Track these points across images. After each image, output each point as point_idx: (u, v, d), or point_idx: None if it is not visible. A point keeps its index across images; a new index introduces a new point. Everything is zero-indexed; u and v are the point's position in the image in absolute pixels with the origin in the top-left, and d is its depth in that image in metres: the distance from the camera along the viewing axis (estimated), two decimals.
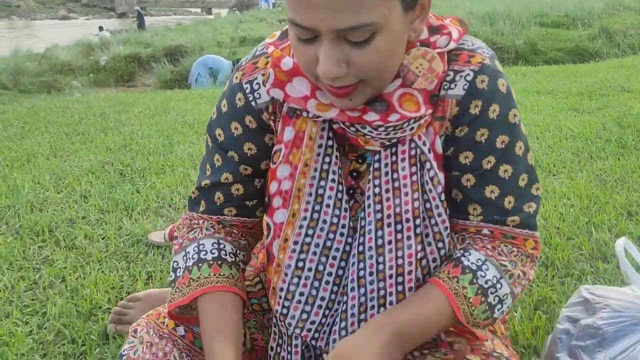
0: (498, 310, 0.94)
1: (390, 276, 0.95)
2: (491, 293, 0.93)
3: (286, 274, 0.99)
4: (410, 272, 0.95)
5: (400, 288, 0.96)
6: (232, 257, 1.03)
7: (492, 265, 0.94)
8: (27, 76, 8.33)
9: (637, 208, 2.17)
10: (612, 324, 1.07)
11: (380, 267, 0.95)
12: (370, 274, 0.96)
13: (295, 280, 0.99)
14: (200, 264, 1.00)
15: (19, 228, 2.23)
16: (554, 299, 1.56)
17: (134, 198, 2.49)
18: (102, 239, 2.13)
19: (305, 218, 0.98)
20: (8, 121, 4.27)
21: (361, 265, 0.96)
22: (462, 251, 0.96)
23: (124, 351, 1.04)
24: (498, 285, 0.93)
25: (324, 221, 0.98)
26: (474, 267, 0.93)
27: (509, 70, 6.26)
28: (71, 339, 1.51)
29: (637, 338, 1.03)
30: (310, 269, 0.98)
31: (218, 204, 1.05)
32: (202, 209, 1.06)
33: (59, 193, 2.61)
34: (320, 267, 0.98)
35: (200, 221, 1.06)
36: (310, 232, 0.98)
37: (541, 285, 1.66)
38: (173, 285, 1.03)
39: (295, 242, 0.98)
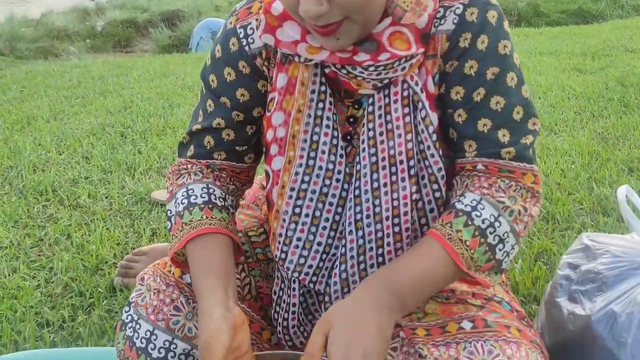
0: (500, 250, 0.92)
1: (387, 218, 0.96)
2: (490, 233, 0.90)
3: (284, 220, 1.00)
4: (406, 214, 0.96)
5: (396, 229, 0.97)
6: (221, 202, 1.03)
7: (488, 203, 0.91)
8: (23, 42, 8.24)
9: (638, 164, 2.17)
10: (612, 269, 1.09)
11: (377, 209, 0.96)
12: (367, 216, 0.96)
13: (293, 225, 1.00)
14: (191, 208, 1.00)
15: (22, 188, 2.24)
16: (554, 251, 1.58)
17: (135, 158, 2.50)
18: (106, 197, 2.15)
19: (300, 165, 0.99)
20: (6, 85, 4.25)
21: (358, 208, 0.97)
22: (458, 197, 0.94)
23: (131, 298, 1.06)
24: (497, 224, 0.91)
25: (320, 167, 0.99)
26: (468, 209, 0.91)
27: (512, 32, 6.18)
28: (79, 291, 1.54)
29: (637, 281, 1.05)
30: (307, 215, 0.99)
31: (208, 148, 1.06)
32: (190, 153, 1.07)
33: (60, 154, 2.61)
34: (317, 213, 0.99)
35: (189, 166, 1.06)
36: (306, 178, 0.99)
37: (542, 237, 1.67)
38: (170, 233, 1.05)
39: (292, 189, 0.99)
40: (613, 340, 0.99)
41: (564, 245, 1.62)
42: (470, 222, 0.90)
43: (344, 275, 0.99)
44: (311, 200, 0.99)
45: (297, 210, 1.00)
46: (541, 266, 1.51)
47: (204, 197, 1.02)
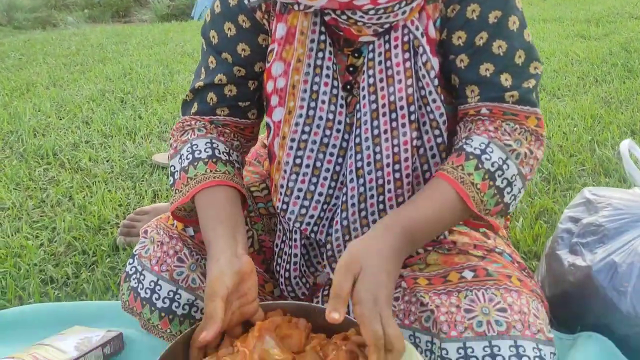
0: (508, 194, 0.92)
1: (388, 165, 0.96)
2: (499, 176, 0.91)
3: (285, 171, 1.00)
4: (406, 160, 0.96)
5: (397, 176, 0.97)
6: (225, 156, 1.03)
7: (497, 146, 0.91)
8: (20, 12, 8.14)
9: None
10: (614, 221, 1.09)
11: (378, 156, 0.96)
12: (368, 164, 0.96)
13: (294, 176, 1.00)
14: (195, 163, 1.00)
15: (23, 152, 2.23)
16: (555, 210, 1.59)
17: (136, 123, 2.49)
18: (107, 161, 2.14)
19: (300, 115, 0.98)
20: (5, 53, 4.21)
21: (358, 156, 0.96)
22: (464, 140, 0.94)
23: (135, 251, 1.06)
24: (505, 167, 0.91)
25: (320, 117, 0.98)
26: (478, 152, 0.91)
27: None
28: (82, 250, 1.55)
29: (638, 233, 1.05)
30: (308, 165, 0.99)
31: (211, 104, 1.05)
32: (194, 110, 1.07)
33: (60, 119, 2.60)
34: (318, 164, 0.99)
35: (193, 122, 1.06)
36: (307, 128, 0.99)
37: (543, 197, 1.68)
38: (173, 188, 1.05)
39: (292, 139, 0.99)
40: (613, 289, 1.00)
41: (565, 204, 1.62)
42: (480, 166, 0.90)
43: (345, 223, 0.99)
44: (312, 150, 0.99)
45: (298, 161, 0.99)
46: (542, 224, 1.51)
47: (207, 152, 1.02)
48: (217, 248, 0.93)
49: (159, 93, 2.93)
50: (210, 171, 1.00)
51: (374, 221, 0.98)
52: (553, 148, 2.01)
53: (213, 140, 1.04)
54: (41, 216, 1.75)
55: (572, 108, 2.39)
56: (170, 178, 1.05)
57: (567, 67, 3.02)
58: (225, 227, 0.94)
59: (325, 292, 1.06)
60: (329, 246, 1.02)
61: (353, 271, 0.81)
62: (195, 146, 1.03)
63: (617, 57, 3.13)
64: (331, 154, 0.99)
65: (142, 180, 1.96)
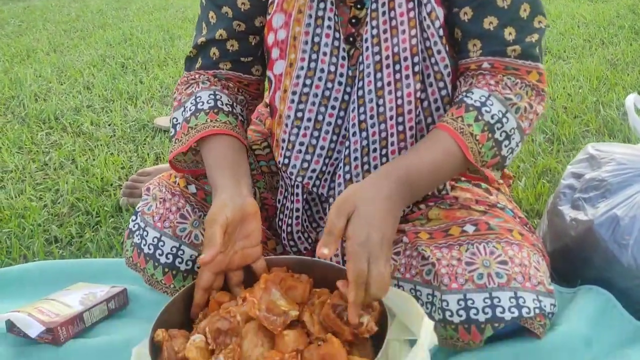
0: (505, 147, 0.93)
1: (391, 117, 0.95)
2: (497, 129, 0.91)
3: (286, 125, 1.00)
4: (410, 112, 0.95)
5: (400, 128, 0.96)
6: (228, 108, 1.04)
7: (497, 99, 0.91)
8: None
9: None
10: (617, 176, 1.08)
11: (381, 109, 0.95)
12: (371, 117, 0.96)
13: (295, 130, 1.00)
14: (197, 114, 1.01)
15: (25, 116, 2.23)
16: (558, 169, 1.58)
17: (137, 88, 2.48)
18: (109, 125, 2.14)
19: (302, 67, 0.97)
20: (4, 20, 4.17)
21: (361, 109, 0.96)
22: (465, 92, 0.94)
23: (138, 208, 1.07)
24: (504, 120, 0.91)
25: (322, 70, 0.97)
26: (478, 104, 0.91)
27: None
28: (85, 211, 1.55)
29: None
30: (309, 119, 0.99)
31: (214, 59, 1.06)
32: (198, 65, 1.07)
33: (61, 84, 2.59)
34: (320, 117, 0.99)
35: (197, 76, 1.07)
36: (308, 81, 0.98)
37: (546, 157, 1.67)
38: (173, 138, 1.04)
39: (294, 92, 0.98)
40: (615, 243, 1.00)
41: (568, 164, 1.61)
42: (480, 117, 0.90)
43: (347, 177, 0.99)
44: (313, 104, 0.98)
45: (300, 114, 0.99)
46: (545, 183, 1.51)
47: (209, 103, 1.02)
48: (220, 190, 0.93)
49: (160, 58, 2.91)
50: (211, 121, 1.00)
51: None
52: (557, 109, 1.99)
53: (216, 92, 1.04)
54: (44, 178, 1.76)
55: (578, 70, 2.36)
56: (172, 130, 1.06)
57: (573, 30, 2.97)
58: (229, 170, 0.95)
59: None
60: (331, 200, 1.02)
61: (346, 210, 0.81)
62: (199, 98, 1.03)
63: (625, 19, 3.08)
64: (333, 107, 0.98)
65: (144, 144, 1.96)
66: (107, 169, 1.77)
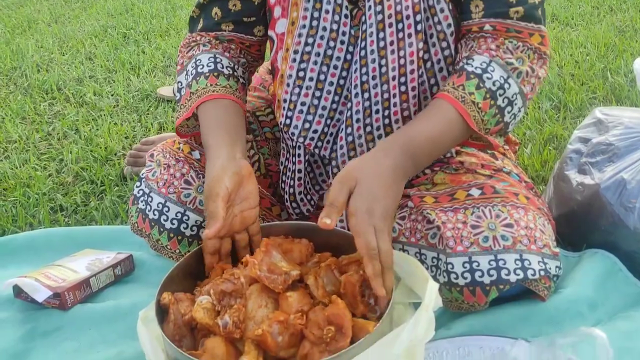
0: (508, 113, 0.92)
1: (394, 78, 0.94)
2: (500, 95, 0.90)
3: (288, 85, 0.99)
4: (412, 72, 0.94)
5: (403, 89, 0.96)
6: (229, 70, 1.03)
7: (498, 65, 0.91)
8: None
9: None
10: (624, 140, 1.07)
11: (383, 69, 0.94)
12: (374, 77, 0.95)
13: (297, 90, 0.99)
14: (197, 78, 1.00)
15: (28, 87, 2.22)
16: (565, 136, 1.57)
17: (140, 58, 2.46)
18: (111, 95, 2.13)
19: (304, 26, 0.96)
20: None
21: (364, 70, 0.95)
22: (465, 59, 0.93)
23: (142, 174, 1.07)
24: (506, 86, 0.91)
25: (324, 28, 0.96)
26: (479, 71, 0.90)
27: None
28: (90, 180, 1.56)
29: None
30: (311, 79, 0.98)
31: (215, 19, 1.05)
32: (200, 26, 1.06)
33: (63, 55, 2.58)
34: (322, 77, 0.98)
35: (198, 38, 1.06)
36: (310, 40, 0.97)
37: (553, 123, 1.65)
38: (178, 103, 1.04)
39: (296, 52, 0.97)
40: (621, 206, 0.99)
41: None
42: (482, 85, 0.90)
43: (350, 138, 0.98)
44: (315, 63, 0.97)
45: (301, 74, 0.98)
46: (551, 150, 1.50)
47: (210, 66, 1.01)
48: (215, 152, 0.93)
49: (162, 28, 2.88)
50: (211, 85, 1.00)
51: (380, 136, 0.98)
52: (565, 76, 1.96)
53: (217, 55, 1.03)
54: (48, 148, 1.76)
55: (586, 37, 2.33)
56: (177, 94, 1.06)
57: None
58: (223, 134, 0.95)
59: None
60: (334, 162, 1.01)
61: (348, 184, 0.82)
62: (199, 61, 1.03)
63: None
64: (335, 67, 0.97)
65: (148, 113, 1.95)
66: (110, 138, 1.76)
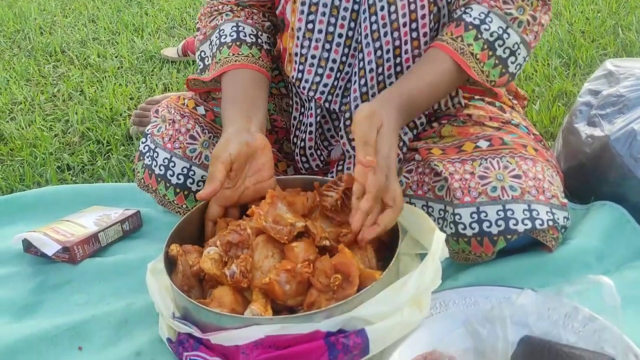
0: (512, 63, 0.93)
1: (404, 24, 0.94)
2: (499, 46, 0.91)
3: (298, 38, 0.98)
4: (423, 17, 0.94)
5: (414, 35, 0.95)
6: (252, 38, 1.03)
7: (496, 15, 0.91)
8: None
9: None
10: (635, 90, 1.05)
11: (393, 16, 0.93)
12: (384, 25, 0.94)
13: (307, 42, 0.98)
14: (221, 48, 1.01)
15: (31, 49, 2.21)
16: (574, 92, 1.55)
17: (143, 20, 2.43)
18: (115, 57, 2.11)
19: None
20: None
21: (373, 18, 0.94)
22: (463, 8, 0.93)
23: (147, 130, 1.06)
24: (505, 36, 0.91)
25: None
26: (477, 22, 0.91)
27: None
28: (96, 140, 1.56)
29: None
30: (320, 31, 0.97)
31: None
32: None
33: (66, 17, 2.55)
34: (330, 29, 0.97)
35: (220, 6, 1.06)
36: None
37: (563, 80, 1.63)
38: (204, 72, 1.05)
39: (303, 3, 0.96)
40: (630, 157, 0.98)
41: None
42: (479, 36, 0.91)
43: (364, 89, 0.98)
44: (323, 14, 0.96)
45: (310, 26, 0.97)
46: (560, 106, 1.48)
47: (232, 36, 1.02)
48: (229, 121, 0.94)
49: None
50: (233, 54, 1.00)
51: (391, 84, 0.97)
52: (575, 33, 1.93)
53: (239, 24, 1.03)
54: (53, 109, 1.75)
55: None
56: (200, 63, 1.06)
57: None
58: (240, 105, 0.96)
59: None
60: (347, 114, 1.01)
61: (376, 123, 0.82)
62: (222, 31, 1.03)
63: None
64: (343, 18, 0.96)
65: (152, 74, 1.94)
66: (115, 99, 1.76)
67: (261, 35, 1.05)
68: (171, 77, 1.90)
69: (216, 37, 1.03)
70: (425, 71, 0.92)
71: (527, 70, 1.70)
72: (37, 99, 1.80)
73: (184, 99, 1.10)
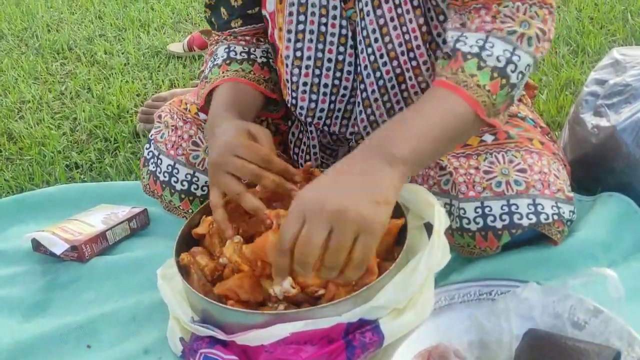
0: (519, 89, 0.83)
1: (402, 53, 0.92)
2: (512, 71, 0.79)
3: (287, 65, 0.98)
4: (419, 47, 0.92)
5: (414, 64, 0.93)
6: (242, 55, 1.03)
7: (497, 38, 0.79)
8: None
9: None
10: None
11: (389, 46, 0.92)
12: (381, 56, 0.92)
13: (297, 70, 0.97)
14: (213, 69, 1.02)
15: (39, 47, 2.22)
16: (582, 80, 1.53)
17: (149, 15, 2.43)
18: (122, 53, 2.12)
19: (292, 3, 0.94)
20: None
21: (369, 50, 0.92)
22: (456, 40, 0.82)
23: (151, 136, 1.08)
24: (515, 59, 0.79)
25: (313, 4, 0.93)
26: (476, 50, 0.79)
27: None
28: (103, 137, 1.57)
29: None
30: (309, 57, 0.96)
31: (225, 18, 1.06)
32: (215, 26, 1.08)
33: (73, 14, 2.56)
34: (319, 55, 0.96)
35: (217, 37, 1.09)
36: (302, 18, 0.94)
37: (570, 68, 1.61)
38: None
39: (289, 31, 0.96)
40: (637, 147, 0.97)
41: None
42: (483, 64, 0.78)
43: (371, 118, 0.98)
44: (311, 41, 0.96)
45: (299, 53, 0.97)
46: (567, 95, 1.47)
47: (223, 56, 1.03)
48: (214, 124, 0.91)
49: None
50: (222, 72, 1.01)
51: (401, 109, 0.96)
52: (583, 20, 1.90)
53: (230, 45, 1.05)
54: (61, 107, 1.76)
55: None
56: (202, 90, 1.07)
57: None
58: (229, 112, 0.93)
59: None
60: (357, 139, 1.02)
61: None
62: (216, 55, 1.05)
63: None
64: (331, 43, 0.95)
65: (159, 70, 1.95)
66: (122, 96, 1.77)
67: (254, 50, 1.05)
68: (177, 73, 1.90)
69: (211, 61, 1.05)
70: (424, 113, 0.78)
71: None
72: (45, 97, 1.82)
73: (186, 103, 1.10)
